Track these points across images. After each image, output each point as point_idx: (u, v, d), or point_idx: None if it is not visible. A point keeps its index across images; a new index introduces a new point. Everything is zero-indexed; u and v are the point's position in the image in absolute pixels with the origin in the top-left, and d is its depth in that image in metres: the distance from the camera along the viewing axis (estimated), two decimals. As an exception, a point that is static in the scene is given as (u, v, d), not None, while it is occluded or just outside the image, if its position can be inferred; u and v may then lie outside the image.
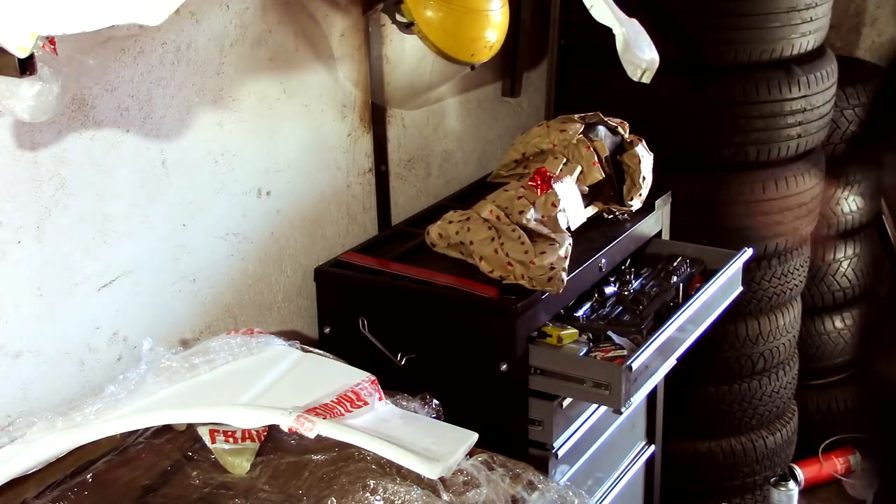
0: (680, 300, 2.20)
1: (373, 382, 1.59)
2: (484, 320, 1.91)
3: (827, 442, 3.17)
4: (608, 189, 2.23)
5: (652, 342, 1.96)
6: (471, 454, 1.48)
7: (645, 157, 2.24)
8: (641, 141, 2.25)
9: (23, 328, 1.60)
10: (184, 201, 1.85)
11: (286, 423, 1.45)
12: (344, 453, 1.50)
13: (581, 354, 1.95)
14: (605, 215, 2.26)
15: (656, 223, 2.40)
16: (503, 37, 2.10)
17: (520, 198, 2.03)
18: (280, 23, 1.97)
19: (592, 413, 2.10)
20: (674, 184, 2.45)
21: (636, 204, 2.26)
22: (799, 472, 3.02)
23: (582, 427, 2.07)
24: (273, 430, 1.56)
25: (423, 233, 2.16)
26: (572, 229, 2.09)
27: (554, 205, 2.05)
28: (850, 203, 3.04)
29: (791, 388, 2.84)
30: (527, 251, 1.90)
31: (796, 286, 2.74)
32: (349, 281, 2.05)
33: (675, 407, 2.62)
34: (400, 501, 1.38)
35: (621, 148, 2.25)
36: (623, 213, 2.26)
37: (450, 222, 2.06)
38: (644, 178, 2.24)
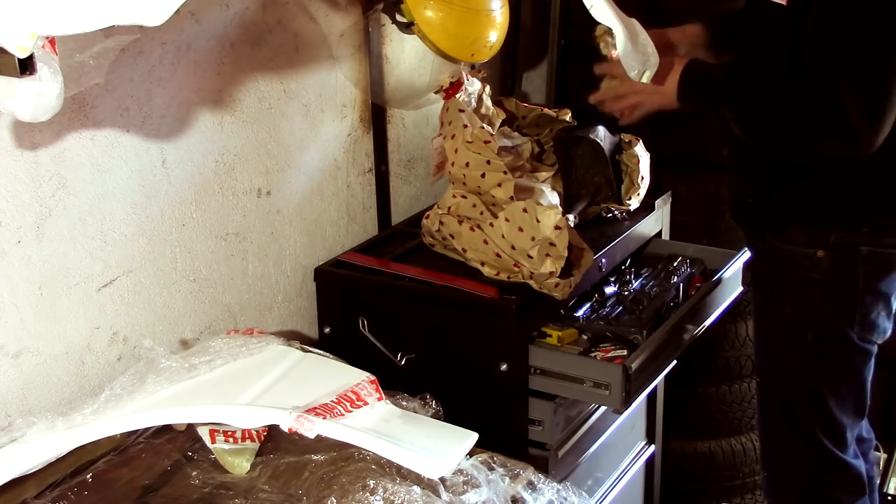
0: (680, 300, 2.20)
1: (373, 382, 1.59)
2: (484, 320, 1.91)
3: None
4: (606, 189, 2.23)
5: (652, 342, 1.96)
6: (471, 454, 1.48)
7: (643, 157, 2.24)
8: (640, 141, 2.25)
9: (23, 328, 1.60)
10: (184, 201, 1.85)
11: (286, 423, 1.45)
12: (344, 453, 1.50)
13: (581, 354, 1.95)
14: (604, 214, 2.26)
15: (656, 223, 2.40)
16: (503, 37, 2.10)
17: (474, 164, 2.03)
18: (280, 23, 1.97)
19: (592, 413, 2.10)
20: (674, 184, 2.45)
21: (634, 203, 2.26)
22: (799, 472, 3.02)
23: (582, 427, 2.07)
24: (273, 430, 1.56)
25: (423, 233, 2.17)
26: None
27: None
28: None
29: (791, 388, 2.85)
30: (531, 256, 1.89)
31: (796, 286, 2.75)
32: (349, 281, 2.05)
33: (675, 407, 2.62)
34: (400, 501, 1.38)
35: (619, 148, 2.25)
36: (621, 213, 2.26)
37: (426, 217, 2.08)
38: (643, 178, 2.25)
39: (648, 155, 2.26)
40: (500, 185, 1.99)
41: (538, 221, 1.85)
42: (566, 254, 1.87)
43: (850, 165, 1.80)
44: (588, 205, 2.22)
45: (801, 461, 1.99)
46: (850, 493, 2.00)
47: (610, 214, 2.27)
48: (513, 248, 1.89)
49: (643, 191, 2.27)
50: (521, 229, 1.87)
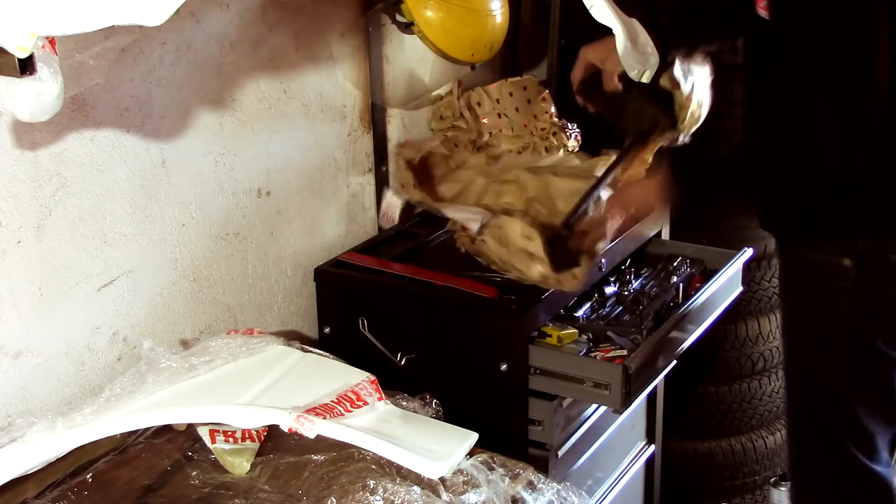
0: (680, 300, 2.20)
1: (373, 382, 1.59)
2: (484, 320, 1.91)
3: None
4: (665, 119, 2.15)
5: (652, 342, 1.96)
6: (471, 454, 1.48)
7: (691, 75, 2.08)
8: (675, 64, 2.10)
9: (23, 328, 1.60)
10: (184, 201, 1.85)
11: (286, 423, 1.45)
12: (344, 453, 1.50)
13: (581, 354, 1.95)
14: (665, 144, 2.12)
15: (656, 223, 2.40)
16: (503, 37, 2.11)
17: None
18: (280, 23, 1.97)
19: (592, 413, 2.10)
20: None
21: (688, 123, 2.11)
22: (799, 472, 3.02)
23: (582, 427, 2.07)
24: (273, 430, 1.56)
25: (423, 233, 2.17)
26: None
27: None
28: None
29: (791, 388, 2.84)
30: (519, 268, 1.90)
31: (796, 286, 2.74)
32: (349, 281, 2.05)
33: (675, 407, 2.62)
34: (400, 501, 1.38)
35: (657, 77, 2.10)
36: (680, 138, 2.11)
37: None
38: (689, 98, 2.09)
39: (706, 69, 2.11)
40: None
41: (508, 234, 1.88)
42: (546, 256, 1.86)
43: (878, 169, 1.77)
44: (644, 140, 2.15)
45: (828, 470, 1.95)
46: (878, 503, 1.97)
47: (671, 143, 2.11)
48: (502, 260, 1.91)
49: (696, 107, 2.09)
50: (501, 242, 1.89)
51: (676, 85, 2.11)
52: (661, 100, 2.10)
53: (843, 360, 1.87)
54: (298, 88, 2.06)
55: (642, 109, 2.12)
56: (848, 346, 1.85)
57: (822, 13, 1.64)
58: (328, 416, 1.46)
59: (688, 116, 2.10)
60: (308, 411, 1.46)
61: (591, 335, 2.02)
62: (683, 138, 2.11)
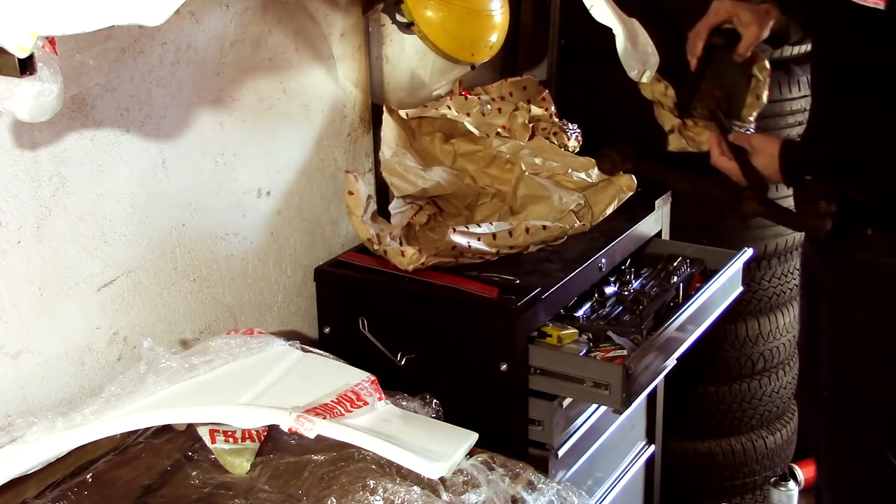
0: (680, 300, 2.20)
1: (373, 382, 1.59)
2: (484, 320, 1.91)
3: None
4: (725, 104, 2.11)
5: (652, 342, 1.96)
6: (471, 454, 1.48)
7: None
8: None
9: (23, 328, 1.60)
10: (184, 201, 1.85)
11: (286, 423, 1.45)
12: (344, 453, 1.50)
13: (581, 354, 1.95)
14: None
15: (656, 223, 2.40)
16: (503, 37, 2.11)
17: None
18: (280, 23, 1.97)
19: (592, 413, 2.10)
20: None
21: (754, 122, 2.12)
22: (799, 472, 3.01)
23: (582, 427, 2.07)
24: (273, 430, 1.56)
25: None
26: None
27: None
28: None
29: (791, 388, 2.84)
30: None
31: (796, 286, 2.74)
32: (349, 281, 2.05)
33: (675, 407, 2.62)
34: (400, 501, 1.38)
35: (751, 59, 2.07)
36: (743, 129, 2.10)
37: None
38: (767, 94, 2.11)
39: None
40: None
41: None
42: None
43: None
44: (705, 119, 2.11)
45: (869, 482, 1.88)
46: None
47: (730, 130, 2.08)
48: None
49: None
50: None
51: (767, 76, 2.06)
52: (741, 82, 2.05)
53: (893, 365, 1.81)
54: (298, 88, 2.06)
55: (710, 89, 2.07)
56: None
57: None
58: (328, 416, 1.46)
59: (756, 113, 2.08)
60: (308, 411, 1.46)
61: (591, 335, 2.02)
62: (744, 131, 2.07)
